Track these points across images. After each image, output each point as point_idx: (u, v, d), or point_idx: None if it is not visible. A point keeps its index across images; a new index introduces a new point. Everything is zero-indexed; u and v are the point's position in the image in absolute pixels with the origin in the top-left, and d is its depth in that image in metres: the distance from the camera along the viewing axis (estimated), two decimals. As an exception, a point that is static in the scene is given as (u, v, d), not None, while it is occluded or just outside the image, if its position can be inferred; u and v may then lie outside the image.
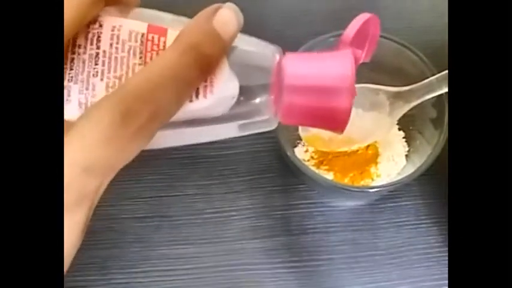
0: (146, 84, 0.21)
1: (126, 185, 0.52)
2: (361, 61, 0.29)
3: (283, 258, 0.50)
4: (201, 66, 0.22)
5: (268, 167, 0.53)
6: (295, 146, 0.51)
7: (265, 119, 0.26)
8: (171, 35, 0.24)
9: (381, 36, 0.45)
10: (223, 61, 0.24)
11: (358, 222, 0.51)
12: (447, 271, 0.49)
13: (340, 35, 0.28)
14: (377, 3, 0.35)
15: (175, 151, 0.53)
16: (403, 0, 0.57)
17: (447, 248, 0.50)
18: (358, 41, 0.29)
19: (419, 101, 0.41)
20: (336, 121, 0.26)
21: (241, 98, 0.24)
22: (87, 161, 0.20)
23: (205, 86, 0.24)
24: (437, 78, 0.40)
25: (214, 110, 0.24)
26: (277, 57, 0.26)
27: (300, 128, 0.45)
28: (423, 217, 0.51)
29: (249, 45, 0.25)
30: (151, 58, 0.23)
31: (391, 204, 0.52)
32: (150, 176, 0.53)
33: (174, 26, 0.24)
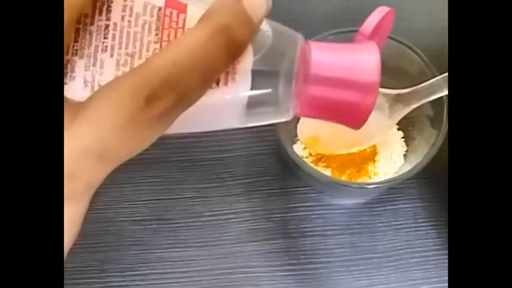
0: (173, 67, 0.20)
1: (124, 188, 0.52)
2: None
3: (281, 261, 0.50)
4: (230, 51, 0.21)
5: (266, 170, 0.53)
6: (294, 143, 0.51)
7: (281, 109, 0.24)
8: (192, 12, 0.22)
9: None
10: (248, 46, 0.22)
11: (356, 225, 0.51)
12: (445, 274, 0.49)
13: (337, 33, 0.28)
14: (375, 5, 0.35)
15: (174, 154, 0.53)
16: (402, 2, 0.57)
17: (445, 251, 0.50)
18: (373, 34, 0.28)
19: (419, 104, 0.41)
20: (356, 117, 0.25)
21: (262, 87, 0.23)
22: (99, 147, 0.19)
23: (227, 73, 0.22)
24: (437, 80, 0.40)
25: (233, 97, 0.23)
26: (301, 45, 0.24)
27: (298, 130, 0.45)
28: (421, 220, 0.51)
29: (272, 30, 0.24)
30: (168, 36, 0.21)
31: (390, 207, 0.52)
32: (148, 179, 0.52)
33: (193, 2, 0.22)
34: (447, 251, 0.50)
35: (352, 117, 0.25)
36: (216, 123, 0.25)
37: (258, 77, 0.23)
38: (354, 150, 0.48)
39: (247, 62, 0.22)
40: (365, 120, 0.25)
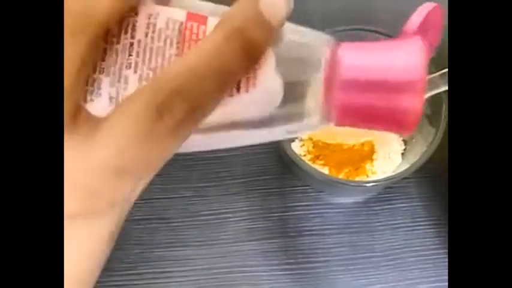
0: (185, 75, 0.19)
1: (122, 187, 0.52)
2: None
3: (279, 260, 0.50)
4: (247, 54, 0.20)
5: (264, 169, 0.53)
6: (292, 141, 0.51)
7: (315, 120, 0.22)
8: (212, 24, 0.21)
9: (381, 34, 0.45)
10: (268, 51, 0.21)
11: (354, 224, 0.51)
12: (443, 273, 0.49)
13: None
14: (374, 5, 0.35)
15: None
16: (401, 2, 0.57)
17: (444, 250, 0.50)
18: (419, 33, 0.25)
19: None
20: (403, 122, 0.22)
21: (288, 97, 0.21)
22: (119, 162, 0.19)
23: (248, 78, 0.21)
24: (440, 75, 0.40)
25: (257, 107, 0.22)
26: (331, 48, 0.22)
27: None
28: (420, 219, 0.51)
29: (297, 34, 0.22)
30: (189, 48, 0.21)
31: (388, 206, 0.52)
32: (147, 178, 0.52)
33: (214, 15, 0.21)
34: (445, 250, 0.50)
35: (398, 122, 0.22)
36: (244, 137, 0.23)
37: (285, 85, 0.21)
38: (360, 141, 0.48)
39: (269, 67, 0.21)
40: (415, 125, 0.22)
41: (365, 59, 0.22)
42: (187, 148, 0.21)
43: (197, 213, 0.52)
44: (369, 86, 0.21)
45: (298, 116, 0.22)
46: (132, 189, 0.20)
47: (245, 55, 0.20)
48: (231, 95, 0.21)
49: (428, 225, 0.51)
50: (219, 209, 0.52)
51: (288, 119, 0.22)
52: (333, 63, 0.22)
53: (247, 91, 0.21)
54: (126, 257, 0.50)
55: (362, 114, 0.22)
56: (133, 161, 0.19)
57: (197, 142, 0.21)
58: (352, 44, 0.23)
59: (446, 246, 0.50)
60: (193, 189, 0.52)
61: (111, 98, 0.21)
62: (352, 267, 0.49)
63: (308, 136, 0.51)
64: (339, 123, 0.23)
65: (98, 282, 0.50)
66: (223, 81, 0.20)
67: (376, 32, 0.44)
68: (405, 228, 0.51)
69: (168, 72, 0.19)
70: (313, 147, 0.51)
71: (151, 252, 0.50)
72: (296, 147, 0.51)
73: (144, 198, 0.52)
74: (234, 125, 0.22)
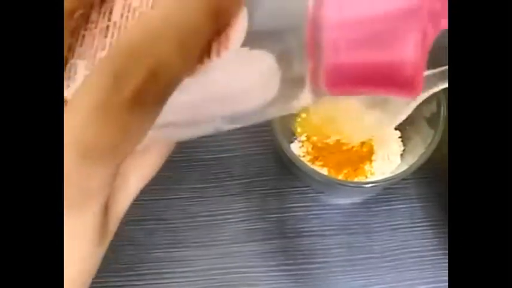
0: (141, 36, 0.16)
1: (121, 188, 0.52)
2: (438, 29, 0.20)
3: (278, 261, 0.50)
4: (212, 9, 0.17)
5: (263, 170, 0.53)
6: (291, 142, 0.51)
7: (297, 86, 0.19)
8: None
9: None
10: (241, 9, 0.18)
11: (353, 226, 0.51)
12: (442, 274, 0.49)
13: None
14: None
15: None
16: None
17: (442, 251, 0.50)
18: None
19: (425, 95, 0.40)
20: (407, 77, 0.18)
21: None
22: (82, 143, 0.16)
23: (219, 43, 0.18)
24: (438, 73, 0.40)
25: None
26: (312, 3, 0.17)
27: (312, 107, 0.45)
28: (418, 220, 0.51)
29: None
30: None
31: (386, 207, 0.52)
32: (145, 179, 0.52)
33: None
34: (444, 251, 0.50)
35: (401, 79, 0.18)
36: (222, 103, 0.20)
37: (260, 42, 0.18)
38: (359, 140, 0.48)
39: (241, 25, 0.18)
40: (421, 81, 0.18)
41: (351, 5, 0.17)
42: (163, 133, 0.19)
43: (196, 214, 0.52)
44: (358, 41, 0.17)
45: (283, 87, 0.19)
46: (104, 175, 0.17)
47: (208, 10, 0.17)
48: (202, 62, 0.18)
49: (427, 226, 0.51)
50: (218, 210, 0.52)
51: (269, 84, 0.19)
52: (315, 19, 0.17)
53: (218, 55, 0.18)
54: (124, 258, 0.50)
55: (356, 74, 0.18)
56: (96, 141, 0.16)
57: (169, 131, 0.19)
58: None
59: (445, 247, 0.50)
60: (191, 190, 0.52)
61: None
62: (350, 268, 0.49)
63: (307, 137, 0.51)
64: (332, 91, 0.18)
65: (95, 283, 0.50)
66: (186, 41, 0.16)
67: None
68: (404, 229, 0.51)
69: (125, 36, 0.17)
70: (312, 148, 0.51)
71: (150, 253, 0.50)
72: (295, 148, 0.51)
73: (143, 199, 0.52)
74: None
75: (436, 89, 0.40)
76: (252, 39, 0.18)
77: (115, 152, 0.17)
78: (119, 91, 0.16)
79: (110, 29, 0.20)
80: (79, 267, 0.20)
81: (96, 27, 0.21)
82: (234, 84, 0.19)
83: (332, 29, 0.17)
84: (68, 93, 0.20)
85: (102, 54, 0.20)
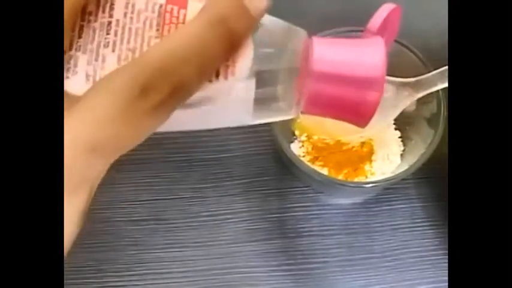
0: (169, 57, 0.19)
1: (121, 188, 0.52)
2: None
3: (278, 261, 0.50)
4: (228, 42, 0.21)
5: (263, 170, 0.53)
6: (291, 142, 0.51)
7: (285, 106, 0.24)
8: (192, 7, 0.22)
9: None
10: (248, 40, 0.22)
11: (353, 225, 0.51)
12: (442, 274, 0.49)
13: (337, 32, 0.28)
14: (373, 8, 0.35)
15: (171, 154, 0.53)
16: (400, 3, 0.57)
17: (443, 251, 0.50)
18: (380, 32, 0.27)
19: (423, 93, 0.40)
20: (361, 114, 0.24)
21: (261, 83, 0.22)
22: (95, 139, 0.18)
23: (227, 66, 0.22)
24: (438, 73, 0.40)
25: (233, 92, 0.22)
26: (304, 40, 0.24)
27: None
28: (418, 220, 0.51)
29: (274, 26, 0.23)
30: (169, 31, 0.22)
31: (387, 207, 0.52)
32: (146, 179, 0.52)
33: None
34: (444, 251, 0.50)
35: (357, 114, 0.24)
36: (219, 120, 0.24)
37: (259, 71, 0.22)
38: (355, 136, 0.48)
39: (247, 56, 0.22)
40: (370, 118, 0.24)
41: (334, 53, 0.24)
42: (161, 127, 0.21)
43: (196, 214, 0.52)
44: (333, 79, 0.23)
45: (273, 101, 0.23)
46: (103, 166, 0.20)
47: (226, 42, 0.20)
48: (210, 81, 0.22)
49: (427, 226, 0.51)
50: (218, 210, 0.52)
51: (263, 103, 0.23)
52: (305, 55, 0.23)
53: (225, 78, 0.22)
54: (124, 258, 0.50)
55: (327, 104, 0.24)
56: (109, 138, 0.19)
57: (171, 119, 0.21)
58: (323, 39, 0.24)
59: (445, 247, 0.50)
60: (192, 190, 0.52)
61: (87, 76, 0.21)
62: (351, 268, 0.49)
63: (307, 137, 0.51)
64: (307, 111, 0.24)
65: (96, 283, 0.51)
66: (204, 66, 0.20)
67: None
68: (404, 229, 0.51)
69: (151, 52, 0.20)
70: (312, 148, 0.51)
71: (150, 253, 0.50)
72: (295, 148, 0.51)
73: (143, 199, 0.52)
74: (211, 106, 0.23)
75: (436, 88, 0.40)
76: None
77: (121, 150, 0.19)
78: (143, 101, 0.19)
79: (113, 26, 0.21)
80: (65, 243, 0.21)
81: (96, 21, 0.21)
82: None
83: (317, 63, 0.23)
84: (66, 86, 0.21)
85: (105, 51, 0.21)
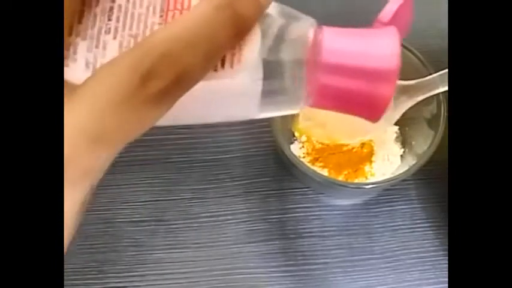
0: (174, 42, 0.18)
1: (122, 189, 0.52)
2: None
3: (278, 262, 0.50)
4: (235, 27, 0.19)
5: (263, 171, 0.53)
6: (291, 143, 0.51)
7: (293, 99, 0.22)
8: None
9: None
10: (255, 28, 0.21)
11: (353, 226, 0.51)
12: (443, 275, 0.49)
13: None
14: (373, 8, 0.35)
15: (171, 155, 0.53)
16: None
17: (443, 252, 0.50)
18: (392, 22, 0.26)
19: (424, 97, 0.40)
20: (373, 108, 0.23)
21: (268, 74, 0.21)
22: (97, 129, 0.18)
23: (233, 54, 0.21)
24: (439, 75, 0.40)
25: (239, 83, 0.21)
26: (314, 30, 0.22)
27: (301, 114, 0.45)
28: (418, 221, 0.51)
29: (283, 14, 0.22)
30: (173, 17, 0.20)
31: (387, 208, 0.52)
32: (146, 181, 0.52)
33: None
34: (444, 252, 0.50)
35: (369, 108, 0.23)
36: (224, 112, 0.23)
37: (267, 61, 0.21)
38: (355, 140, 0.48)
39: (254, 44, 0.21)
40: (383, 112, 0.23)
41: (345, 44, 0.22)
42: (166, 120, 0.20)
43: (196, 215, 0.52)
44: (344, 70, 0.22)
45: (280, 93, 0.22)
46: (107, 158, 0.19)
47: (233, 28, 0.19)
48: (215, 70, 0.20)
49: (428, 227, 0.51)
50: (218, 211, 0.52)
51: (270, 94, 0.22)
52: (315, 46, 0.22)
53: (231, 66, 0.21)
54: (125, 259, 0.50)
55: (337, 96, 0.22)
56: (111, 128, 0.18)
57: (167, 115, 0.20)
58: (333, 29, 0.23)
59: (446, 248, 0.50)
60: (192, 191, 0.52)
61: (87, 64, 0.20)
62: (351, 269, 0.49)
63: (307, 138, 0.51)
64: (316, 104, 0.23)
65: (97, 283, 0.51)
66: (210, 52, 0.19)
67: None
68: (404, 230, 0.51)
69: (155, 37, 0.18)
70: (313, 149, 0.51)
71: (150, 254, 0.50)
72: (295, 149, 0.51)
73: (143, 200, 0.52)
74: (217, 97, 0.22)
75: (438, 91, 0.40)
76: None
77: (124, 140, 0.19)
78: (144, 89, 0.18)
79: (114, 11, 0.20)
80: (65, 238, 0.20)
81: (97, 6, 0.20)
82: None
83: (327, 54, 0.22)
84: (65, 73, 0.20)
85: (106, 38, 0.20)
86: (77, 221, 0.20)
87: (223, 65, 0.21)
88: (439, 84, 0.40)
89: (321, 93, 0.22)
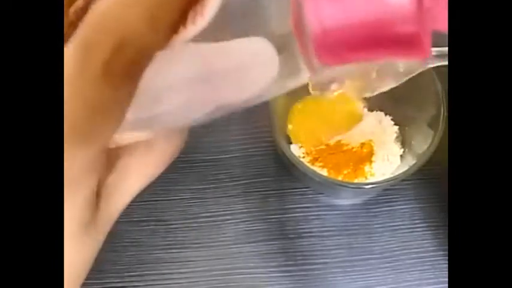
0: (109, 6, 0.15)
1: (121, 189, 0.52)
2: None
3: (278, 262, 0.50)
4: None
5: (263, 171, 0.53)
6: (291, 143, 0.51)
7: (286, 61, 0.18)
8: None
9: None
10: None
11: (353, 227, 0.51)
12: (442, 275, 0.49)
13: None
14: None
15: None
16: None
17: (442, 252, 0.50)
18: None
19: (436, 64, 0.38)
20: (406, 36, 0.16)
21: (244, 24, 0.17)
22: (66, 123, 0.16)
23: (195, 11, 0.17)
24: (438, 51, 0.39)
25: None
26: None
27: (291, 134, 0.45)
28: (418, 221, 0.51)
29: None
30: None
31: (386, 209, 0.52)
32: (146, 180, 0.52)
33: None
34: (444, 252, 0.50)
35: (403, 39, 0.16)
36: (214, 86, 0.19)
37: (238, 12, 0.17)
38: (345, 134, 0.48)
39: None
40: (427, 41, 0.17)
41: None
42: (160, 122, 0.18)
43: (195, 215, 0.52)
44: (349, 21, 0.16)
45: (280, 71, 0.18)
46: (84, 159, 0.17)
47: None
48: (176, 32, 0.17)
49: (427, 227, 0.51)
50: (218, 211, 0.52)
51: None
52: (297, 17, 0.17)
53: (194, 24, 0.17)
54: (125, 259, 0.50)
55: (348, 38, 0.16)
56: (70, 118, 0.16)
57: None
58: None
59: (445, 248, 0.50)
60: (191, 191, 0.52)
61: None
62: (350, 269, 0.49)
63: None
64: (324, 60, 0.17)
65: (96, 283, 0.50)
66: (154, 10, 0.16)
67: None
68: (404, 230, 0.51)
69: (96, 7, 0.16)
70: (312, 149, 0.51)
71: (150, 254, 0.50)
72: (295, 149, 0.51)
73: (143, 200, 0.52)
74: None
75: (432, 65, 0.38)
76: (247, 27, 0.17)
77: (93, 134, 0.16)
78: (89, 64, 0.15)
79: None
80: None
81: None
82: (229, 65, 0.18)
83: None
84: None
85: None
86: (84, 241, 0.20)
87: (185, 24, 0.17)
88: (434, 60, 0.38)
89: (323, 43, 0.16)
